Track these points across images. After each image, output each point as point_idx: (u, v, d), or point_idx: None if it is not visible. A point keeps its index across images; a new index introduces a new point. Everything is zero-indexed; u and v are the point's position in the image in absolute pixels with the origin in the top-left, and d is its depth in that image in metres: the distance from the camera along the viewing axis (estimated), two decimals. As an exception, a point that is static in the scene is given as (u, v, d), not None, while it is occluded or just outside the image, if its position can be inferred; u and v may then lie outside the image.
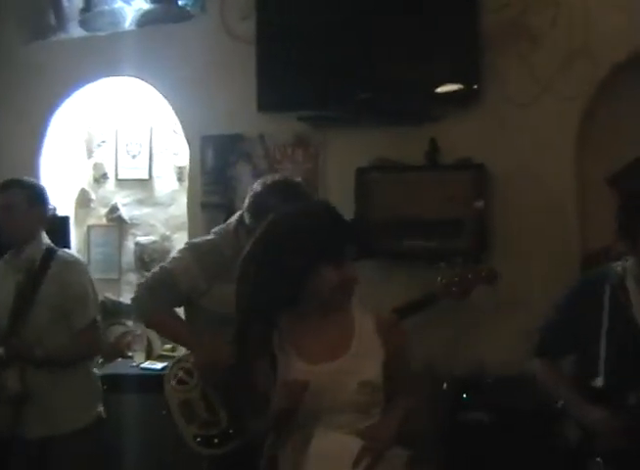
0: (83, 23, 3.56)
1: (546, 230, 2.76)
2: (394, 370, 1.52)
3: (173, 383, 2.11)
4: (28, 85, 3.45)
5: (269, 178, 2.11)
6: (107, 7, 3.51)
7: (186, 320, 2.22)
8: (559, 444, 2.09)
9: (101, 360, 3.06)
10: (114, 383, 2.91)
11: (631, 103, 2.71)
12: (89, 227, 3.70)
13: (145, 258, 3.58)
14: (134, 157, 3.63)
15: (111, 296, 3.58)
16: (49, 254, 2.34)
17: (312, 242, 1.45)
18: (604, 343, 1.83)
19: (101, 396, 2.42)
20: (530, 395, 2.50)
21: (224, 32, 3.15)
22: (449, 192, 2.77)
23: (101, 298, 2.71)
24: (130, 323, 3.55)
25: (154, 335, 3.43)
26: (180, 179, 3.55)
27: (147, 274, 2.23)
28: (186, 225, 3.38)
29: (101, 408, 2.40)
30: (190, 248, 2.16)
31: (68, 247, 3.04)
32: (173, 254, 2.28)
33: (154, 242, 3.60)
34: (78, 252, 3.37)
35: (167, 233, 3.60)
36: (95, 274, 2.57)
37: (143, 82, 3.34)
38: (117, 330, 3.52)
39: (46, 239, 2.41)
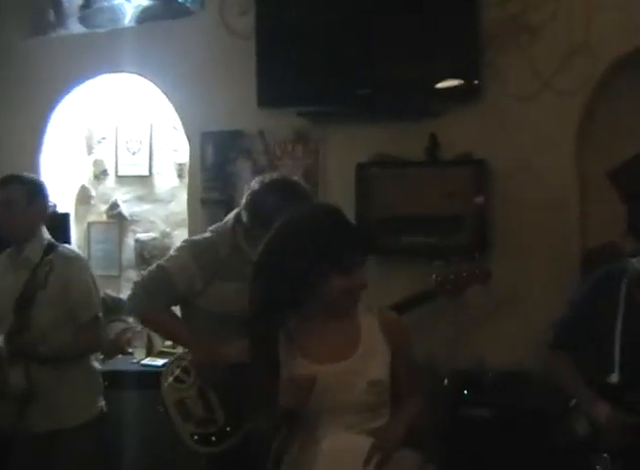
0: (83, 20, 3.55)
1: (546, 226, 2.75)
2: (400, 369, 1.53)
3: (170, 381, 2.10)
4: (28, 82, 3.45)
5: (267, 177, 2.10)
6: (106, 3, 3.50)
7: (182, 319, 2.21)
8: (559, 439, 2.10)
9: (101, 357, 3.07)
10: (114, 379, 2.91)
11: (632, 98, 2.70)
12: (89, 224, 3.70)
13: (145, 254, 3.58)
14: (134, 153, 3.63)
15: (111, 292, 3.57)
16: (50, 249, 2.34)
17: (312, 245, 1.45)
18: (618, 339, 1.83)
19: (102, 390, 2.43)
20: (531, 391, 2.52)
21: (223, 28, 3.14)
22: (449, 188, 2.77)
23: (101, 294, 2.70)
24: (130, 320, 3.55)
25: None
26: (180, 176, 3.54)
27: (142, 273, 2.21)
28: (186, 222, 3.38)
29: (102, 403, 2.40)
30: (187, 246, 2.14)
31: (69, 244, 3.04)
32: (171, 252, 2.26)
33: (154, 239, 3.60)
34: (78, 248, 3.36)
35: (168, 230, 3.60)
36: (95, 271, 2.56)
37: (143, 79, 3.34)
38: (117, 327, 3.52)
39: (47, 235, 2.40)
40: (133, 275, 3.60)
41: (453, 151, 2.85)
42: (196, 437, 2.02)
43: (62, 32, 3.55)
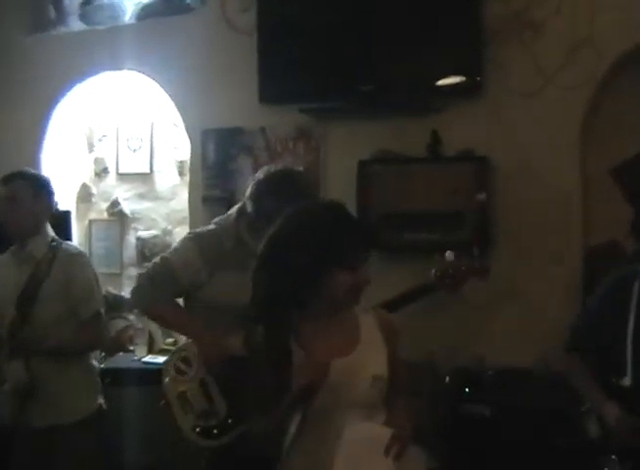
0: (83, 17, 3.55)
1: (548, 223, 2.74)
2: (393, 369, 1.53)
3: (172, 373, 2.10)
4: (28, 79, 3.44)
5: (272, 167, 2.11)
6: (106, 0, 3.50)
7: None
8: (561, 439, 2.08)
9: (103, 354, 3.07)
10: (115, 377, 2.91)
11: (636, 95, 2.68)
12: (90, 222, 3.69)
13: (146, 252, 3.58)
14: (135, 151, 3.62)
15: (112, 290, 3.57)
16: (54, 246, 2.34)
17: (315, 241, 1.45)
18: (630, 342, 1.82)
19: (100, 388, 2.43)
20: (531, 389, 2.51)
21: (225, 24, 3.13)
22: (451, 184, 2.76)
23: (103, 292, 2.70)
24: (132, 317, 3.55)
25: (155, 329, 3.44)
26: (181, 173, 3.54)
27: (146, 265, 2.21)
28: (187, 219, 3.37)
29: (101, 400, 2.40)
30: (191, 238, 2.15)
31: (70, 241, 3.03)
32: (175, 244, 2.26)
33: (155, 236, 3.60)
34: (80, 246, 3.36)
35: (169, 227, 3.59)
36: (97, 269, 2.55)
37: (143, 76, 3.33)
38: (119, 324, 3.52)
39: (51, 231, 2.41)
40: (134, 273, 3.59)
41: (455, 147, 2.84)
42: (198, 429, 2.02)
43: (62, 30, 3.55)
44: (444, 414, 2.54)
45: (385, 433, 1.44)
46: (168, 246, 3.52)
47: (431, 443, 2.43)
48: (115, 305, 3.55)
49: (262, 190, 2.00)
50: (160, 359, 3.19)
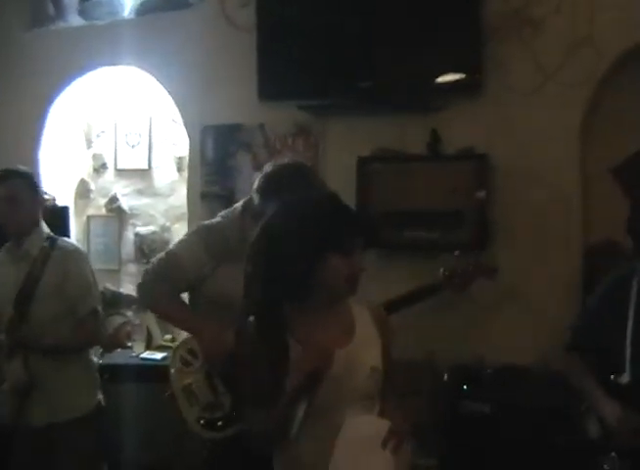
0: (82, 12, 3.53)
1: (548, 222, 2.74)
2: (387, 363, 1.53)
3: (178, 364, 2.10)
4: (27, 75, 3.43)
5: (280, 161, 2.11)
6: (105, -4, 3.48)
7: (189, 306, 2.20)
8: (560, 437, 2.08)
9: (100, 351, 3.07)
10: (113, 373, 2.91)
11: (636, 92, 2.68)
12: (89, 218, 3.68)
13: (144, 248, 3.57)
14: (133, 147, 3.61)
15: (110, 286, 3.57)
16: (50, 243, 2.33)
17: (310, 228, 1.44)
18: (629, 340, 1.82)
19: (99, 384, 2.42)
20: (530, 386, 2.52)
21: (224, 20, 3.12)
22: (451, 183, 2.75)
23: (100, 288, 2.70)
24: (130, 313, 3.55)
25: (153, 325, 3.43)
26: (180, 169, 3.53)
27: (152, 260, 2.20)
28: (185, 216, 3.37)
29: (100, 397, 2.40)
30: (197, 232, 2.14)
31: (68, 237, 3.02)
32: (180, 238, 2.25)
33: (153, 232, 3.59)
34: (78, 242, 3.35)
35: (167, 223, 3.58)
36: (95, 265, 2.55)
37: (142, 71, 3.31)
38: (117, 320, 3.51)
39: (46, 228, 2.39)
40: (133, 269, 3.60)
41: (455, 145, 2.83)
42: (202, 421, 2.01)
43: (61, 25, 3.53)
44: (443, 412, 2.54)
45: (383, 425, 1.44)
46: (167, 242, 3.52)
47: (430, 440, 2.46)
48: (113, 301, 3.54)
49: (271, 183, 1.99)
50: (158, 356, 3.20)
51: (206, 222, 2.19)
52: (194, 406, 2.03)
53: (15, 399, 2.21)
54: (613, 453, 1.76)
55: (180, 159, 3.51)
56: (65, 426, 2.25)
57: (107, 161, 3.68)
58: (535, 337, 2.63)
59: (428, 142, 2.83)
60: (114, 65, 3.36)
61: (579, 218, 2.73)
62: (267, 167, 2.07)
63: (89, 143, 3.71)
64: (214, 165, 3.18)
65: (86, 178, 3.70)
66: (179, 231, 3.48)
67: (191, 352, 2.09)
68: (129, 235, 3.63)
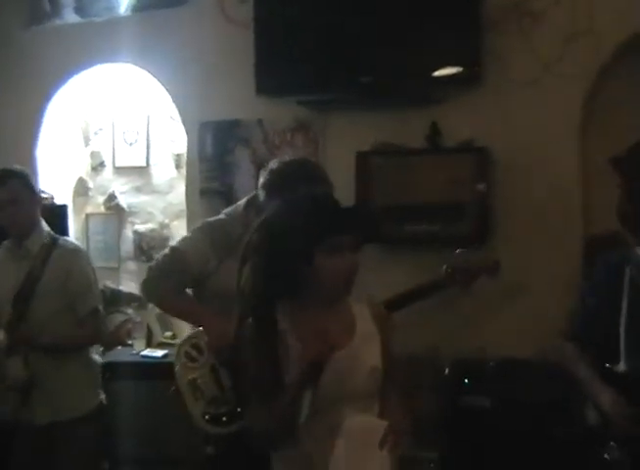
0: (78, 10, 3.51)
1: (549, 214, 2.73)
2: (387, 360, 1.53)
3: (183, 359, 2.09)
4: (23, 73, 3.41)
5: (286, 157, 2.11)
6: (101, -8, 3.46)
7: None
8: (558, 429, 2.08)
9: (101, 349, 3.06)
10: (114, 371, 2.90)
11: (635, 83, 2.67)
12: (87, 216, 3.67)
13: (144, 246, 3.56)
14: (131, 144, 3.60)
15: (110, 284, 3.56)
16: (51, 241, 2.32)
17: (299, 229, 1.45)
18: (624, 328, 1.81)
19: (100, 383, 2.42)
20: (532, 380, 2.51)
21: (221, 16, 3.10)
22: (451, 176, 2.75)
23: (100, 286, 2.69)
24: (130, 311, 3.54)
25: (154, 322, 3.43)
26: (178, 166, 3.52)
27: (156, 257, 2.21)
28: (184, 213, 3.36)
29: (102, 395, 2.39)
30: (202, 228, 2.15)
31: (67, 236, 3.01)
32: (184, 233, 2.25)
33: (152, 230, 3.58)
34: (77, 241, 3.34)
35: (166, 221, 3.57)
36: (94, 263, 2.54)
37: (139, 69, 3.30)
38: (117, 318, 3.50)
39: (46, 227, 2.39)
40: (132, 267, 3.59)
41: (455, 138, 2.82)
42: (207, 416, 2.01)
43: (57, 22, 3.50)
44: (444, 406, 2.53)
45: (381, 425, 1.44)
46: (166, 239, 3.52)
47: (431, 434, 2.45)
48: (113, 299, 3.53)
49: (276, 180, 1.99)
50: (159, 353, 3.20)
51: (210, 219, 2.20)
52: (199, 401, 2.03)
53: (16, 396, 2.20)
54: (612, 442, 1.76)
55: (178, 156, 3.50)
56: (66, 425, 2.25)
57: (105, 158, 3.67)
58: (536, 330, 2.62)
59: (428, 135, 2.83)
60: (111, 62, 3.34)
61: (580, 210, 2.73)
62: (273, 164, 2.06)
63: (87, 141, 3.70)
64: (213, 162, 3.17)
65: (84, 176, 3.69)
66: (178, 228, 3.47)
67: (195, 347, 2.09)
68: (128, 233, 3.62)
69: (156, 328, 3.40)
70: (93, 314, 2.32)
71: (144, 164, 3.58)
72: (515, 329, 2.70)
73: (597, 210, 2.73)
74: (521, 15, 2.72)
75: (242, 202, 2.15)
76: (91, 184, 3.69)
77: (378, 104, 2.87)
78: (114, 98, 3.58)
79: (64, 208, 3.38)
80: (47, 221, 2.43)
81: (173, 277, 2.08)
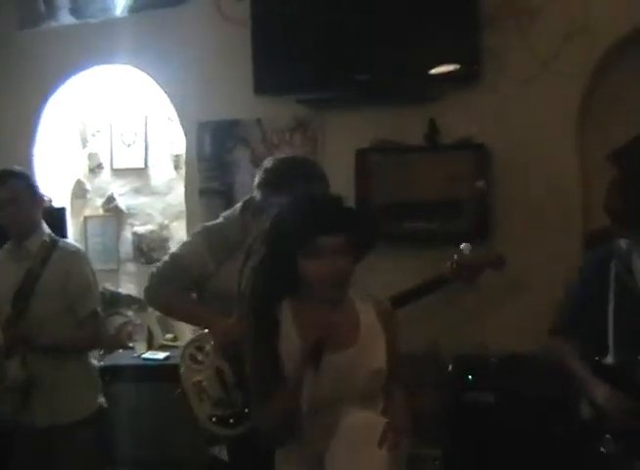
0: (74, 11, 3.49)
1: (547, 210, 2.74)
2: (393, 357, 1.53)
3: (188, 362, 2.10)
4: (19, 75, 3.40)
5: (281, 155, 2.12)
6: (97, -7, 3.45)
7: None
8: (558, 426, 2.08)
9: (102, 352, 3.05)
10: (116, 374, 2.90)
11: (633, 78, 2.68)
12: (86, 218, 3.66)
13: (143, 247, 3.55)
14: (129, 146, 3.59)
15: (109, 286, 3.55)
16: (51, 243, 2.32)
17: (277, 232, 1.47)
18: (612, 321, 1.83)
19: (100, 387, 2.41)
20: (535, 375, 2.51)
21: (219, 15, 3.10)
22: (450, 173, 2.75)
23: (100, 288, 2.68)
24: (130, 313, 3.53)
25: (154, 325, 3.42)
26: (177, 167, 3.51)
27: (157, 263, 2.23)
28: (184, 214, 3.35)
29: (102, 399, 2.39)
30: (200, 232, 2.17)
31: (66, 239, 3.01)
32: (184, 238, 2.26)
33: (152, 231, 3.57)
34: (76, 243, 3.33)
35: (165, 222, 3.56)
36: (93, 265, 2.53)
37: (136, 70, 3.29)
38: (117, 320, 3.49)
39: (47, 228, 2.38)
40: (132, 269, 3.58)
41: (453, 135, 2.83)
42: (214, 418, 2.01)
43: (53, 24, 3.49)
44: (448, 402, 2.53)
45: (381, 423, 1.44)
46: (166, 240, 3.51)
47: (434, 431, 2.45)
48: (113, 301, 3.53)
49: (271, 178, 1.99)
50: (160, 355, 3.19)
51: (208, 223, 2.21)
52: (205, 403, 2.03)
53: (15, 397, 2.19)
54: (607, 435, 1.77)
55: (177, 156, 3.49)
56: (66, 428, 2.24)
57: (103, 160, 3.65)
58: (536, 326, 2.61)
59: (426, 133, 2.83)
60: (107, 63, 3.33)
61: (578, 206, 2.74)
62: (267, 162, 2.07)
63: (84, 143, 3.69)
64: (212, 162, 3.16)
65: (82, 178, 3.68)
66: (178, 229, 3.47)
67: (200, 349, 2.09)
68: (127, 234, 3.61)
69: (156, 330, 3.39)
70: (92, 317, 2.31)
71: (142, 166, 3.57)
72: (516, 325, 2.70)
73: (595, 206, 2.70)
74: (518, 12, 2.73)
75: (238, 205, 2.16)
76: (89, 186, 3.68)
77: (376, 102, 2.87)
78: (112, 99, 3.57)
79: (62, 210, 3.37)
80: (45, 224, 2.42)
81: (174, 283, 2.10)
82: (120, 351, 3.37)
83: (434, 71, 2.76)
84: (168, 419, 2.81)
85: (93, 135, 3.67)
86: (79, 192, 3.67)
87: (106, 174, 3.66)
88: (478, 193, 2.74)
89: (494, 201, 2.78)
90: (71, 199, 3.65)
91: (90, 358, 2.40)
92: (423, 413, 2.09)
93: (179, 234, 3.41)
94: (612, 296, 1.84)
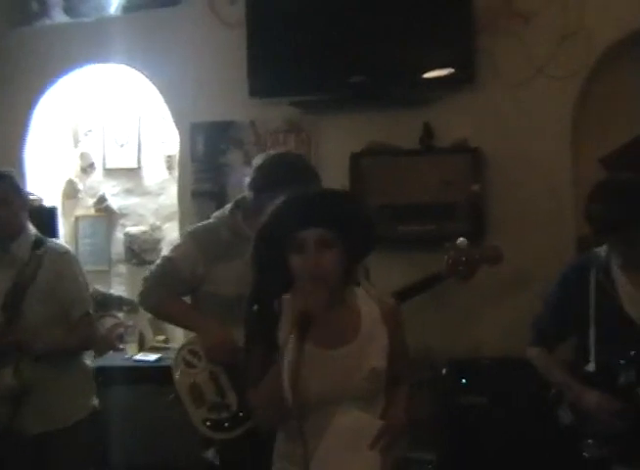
0: (67, 10, 3.47)
1: (542, 213, 2.75)
2: (395, 358, 1.52)
3: (182, 366, 2.08)
4: (12, 73, 3.37)
5: (272, 152, 2.11)
6: (90, -8, 3.42)
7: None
8: (557, 425, 2.09)
9: (93, 354, 3.02)
10: (108, 376, 2.87)
11: (626, 83, 2.70)
12: (77, 218, 3.63)
13: (135, 248, 3.53)
14: (122, 146, 3.56)
15: (100, 288, 3.51)
16: (39, 245, 2.29)
17: (266, 227, 1.47)
18: (593, 329, 1.85)
19: (94, 388, 2.38)
20: (528, 377, 2.51)
21: (213, 17, 3.09)
22: (444, 176, 2.76)
23: (90, 290, 2.65)
24: (120, 315, 3.50)
25: (145, 326, 3.39)
26: (170, 168, 3.49)
27: (150, 267, 2.21)
28: (176, 215, 3.33)
29: (96, 401, 2.36)
30: (189, 233, 2.16)
31: (57, 238, 2.97)
32: (175, 240, 2.25)
33: (143, 232, 3.54)
34: (66, 243, 3.29)
35: (157, 223, 3.54)
36: (84, 266, 2.50)
37: (130, 69, 3.27)
38: (108, 322, 3.47)
39: (33, 229, 2.35)
40: (123, 269, 3.55)
41: (448, 139, 2.83)
42: (208, 423, 1.99)
43: (46, 22, 3.47)
44: (442, 405, 2.53)
45: (373, 424, 1.43)
46: (157, 242, 3.49)
47: (428, 434, 2.45)
48: (104, 302, 3.49)
49: (264, 175, 1.99)
50: (151, 357, 3.17)
51: (199, 224, 2.20)
52: (200, 408, 2.01)
53: (6, 405, 2.16)
54: (590, 440, 1.79)
55: (170, 157, 3.48)
56: (60, 431, 2.21)
57: (95, 160, 3.63)
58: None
59: (420, 136, 2.83)
60: (101, 62, 3.31)
61: (572, 210, 2.74)
62: (257, 160, 2.06)
63: (76, 142, 3.66)
64: (205, 163, 3.15)
65: (74, 178, 3.65)
66: (170, 230, 3.45)
67: (194, 353, 2.08)
68: (119, 235, 3.59)
69: (148, 332, 3.37)
70: (85, 318, 2.29)
71: (135, 166, 3.55)
72: (510, 327, 2.70)
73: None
74: (512, 16, 2.73)
75: (229, 205, 2.15)
76: (81, 186, 3.66)
77: (371, 105, 2.87)
78: (105, 99, 3.55)
79: (53, 210, 3.33)
80: (36, 224, 2.38)
81: (167, 286, 2.09)
82: (111, 352, 3.35)
83: (428, 75, 2.76)
84: (160, 421, 2.79)
85: (85, 134, 3.65)
86: (71, 192, 3.64)
87: (98, 174, 3.63)
88: (472, 196, 2.74)
89: (488, 204, 2.79)
90: (63, 199, 3.62)
91: (84, 359, 2.37)
92: (417, 416, 2.08)
93: (171, 235, 3.39)
94: (592, 304, 1.86)
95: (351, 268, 1.50)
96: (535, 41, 2.72)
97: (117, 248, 3.58)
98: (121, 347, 3.38)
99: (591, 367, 1.84)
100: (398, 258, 2.82)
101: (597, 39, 2.64)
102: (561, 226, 2.74)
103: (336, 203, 1.50)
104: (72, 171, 3.66)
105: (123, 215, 3.58)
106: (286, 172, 1.94)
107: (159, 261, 2.16)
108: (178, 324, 2.33)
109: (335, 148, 2.95)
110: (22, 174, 3.23)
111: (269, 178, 1.95)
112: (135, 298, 2.53)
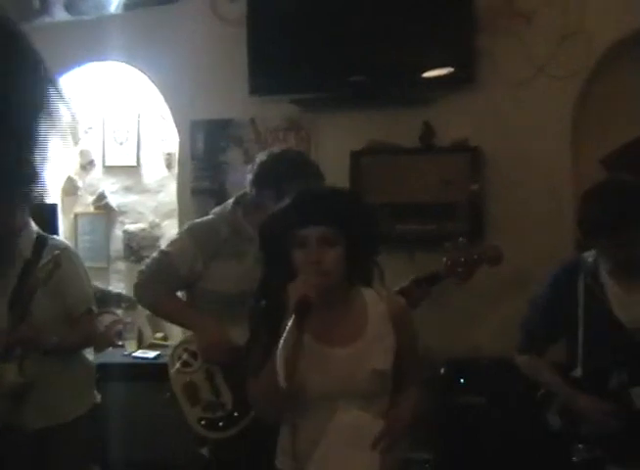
0: (68, 7, 3.46)
1: (541, 213, 2.75)
2: (405, 358, 1.52)
3: (177, 365, 2.07)
4: (12, 70, 3.36)
5: (274, 149, 2.11)
6: (92, -10, 3.42)
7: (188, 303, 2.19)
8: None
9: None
10: (106, 372, 2.86)
11: (627, 82, 2.69)
12: (76, 215, 3.63)
13: (134, 245, 3.53)
14: (121, 143, 3.56)
15: (99, 285, 3.51)
16: (41, 242, 2.28)
17: (271, 223, 1.50)
18: (581, 332, 1.85)
19: (95, 382, 2.38)
20: (527, 378, 2.51)
21: (213, 14, 3.08)
22: (444, 175, 2.75)
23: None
24: (119, 312, 3.50)
25: (144, 323, 3.39)
26: (169, 166, 3.49)
27: (146, 261, 2.20)
28: (175, 213, 3.33)
29: (97, 396, 2.37)
30: (187, 229, 2.15)
31: (57, 236, 2.97)
32: (173, 235, 2.24)
33: (142, 229, 3.54)
34: (66, 240, 3.30)
35: (156, 220, 3.54)
36: (83, 263, 2.50)
37: (130, 67, 3.27)
38: (106, 319, 3.46)
39: (35, 227, 2.35)
40: (122, 267, 3.55)
41: (448, 138, 2.83)
42: (203, 422, 1.99)
43: (47, 20, 3.46)
44: (440, 406, 2.53)
45: (374, 424, 1.43)
46: (157, 239, 3.49)
47: (426, 434, 2.44)
48: (103, 299, 3.48)
49: (266, 172, 1.98)
50: (150, 354, 3.17)
51: (198, 220, 2.19)
52: (195, 407, 2.01)
53: (8, 400, 2.16)
54: (580, 445, 1.80)
55: (169, 155, 3.47)
56: (60, 427, 2.20)
57: (94, 157, 3.63)
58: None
59: (420, 135, 2.83)
60: (101, 60, 3.31)
61: (572, 209, 2.73)
62: (260, 156, 2.06)
63: (76, 139, 3.66)
64: (205, 161, 3.15)
65: (73, 175, 3.65)
66: (169, 228, 3.44)
67: (189, 352, 2.07)
68: (118, 233, 3.59)
69: (146, 329, 3.37)
70: (87, 315, 2.29)
71: (134, 164, 3.54)
72: (509, 327, 2.69)
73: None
74: (513, 16, 2.73)
75: (230, 201, 2.14)
76: (80, 183, 3.65)
77: (371, 103, 2.87)
78: (105, 96, 3.55)
79: (53, 207, 3.33)
80: (36, 221, 2.38)
81: (164, 281, 2.07)
82: (110, 349, 3.34)
83: (428, 74, 2.76)
84: (158, 418, 2.79)
85: (85, 132, 3.64)
86: (70, 189, 3.64)
87: (97, 172, 3.63)
88: (472, 195, 2.74)
89: (488, 203, 2.78)
90: (62, 196, 3.62)
91: (86, 355, 2.36)
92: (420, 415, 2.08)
93: (170, 233, 3.37)
94: (581, 309, 1.86)
95: (355, 267, 1.49)
96: (536, 41, 2.71)
97: (116, 245, 3.58)
98: (120, 343, 3.38)
99: (577, 373, 1.85)
100: (397, 256, 2.82)
101: (597, 39, 2.64)
102: (561, 226, 2.73)
103: (339, 201, 1.50)
104: (72, 169, 3.65)
105: (122, 213, 3.58)
106: (288, 169, 1.94)
107: (155, 255, 2.14)
108: (174, 322, 2.32)
109: (335, 146, 2.95)
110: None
111: (271, 174, 1.95)
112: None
